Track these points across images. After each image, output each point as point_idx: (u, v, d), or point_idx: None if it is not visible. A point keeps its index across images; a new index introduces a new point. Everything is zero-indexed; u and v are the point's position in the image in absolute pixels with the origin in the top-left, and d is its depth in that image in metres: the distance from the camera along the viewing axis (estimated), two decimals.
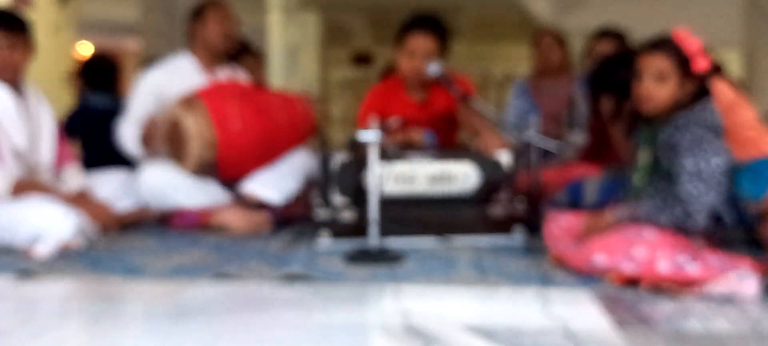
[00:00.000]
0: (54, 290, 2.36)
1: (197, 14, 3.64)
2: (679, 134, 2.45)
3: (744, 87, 3.60)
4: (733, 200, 2.72)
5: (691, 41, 2.47)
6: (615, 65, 3.20)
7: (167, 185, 3.31)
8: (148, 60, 4.17)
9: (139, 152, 3.49)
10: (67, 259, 2.69)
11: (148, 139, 3.40)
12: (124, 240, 3.08)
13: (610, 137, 3.27)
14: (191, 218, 3.33)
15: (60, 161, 3.30)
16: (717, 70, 3.53)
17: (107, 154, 3.93)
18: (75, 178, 3.31)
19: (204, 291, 2.28)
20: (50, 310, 2.17)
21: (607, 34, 4.26)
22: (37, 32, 3.30)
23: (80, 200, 3.13)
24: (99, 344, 1.84)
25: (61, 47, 10.90)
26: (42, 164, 3.20)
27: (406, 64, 3.44)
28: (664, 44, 2.49)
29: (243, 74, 3.81)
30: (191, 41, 3.68)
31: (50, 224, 2.79)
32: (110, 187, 3.39)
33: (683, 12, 8.23)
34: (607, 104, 3.19)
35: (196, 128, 3.18)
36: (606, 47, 4.07)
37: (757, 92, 7.18)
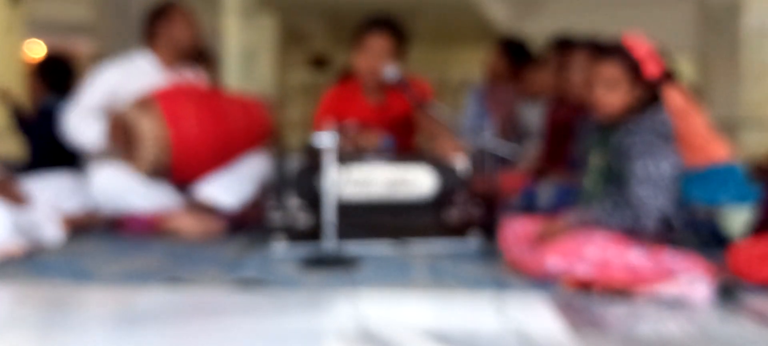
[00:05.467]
0: (0, 295, 2.31)
1: (161, 13, 3.59)
2: (630, 139, 2.49)
3: (697, 92, 3.68)
4: (683, 204, 2.77)
5: (640, 46, 2.51)
6: None
7: (120, 187, 3.28)
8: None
9: (89, 143, 3.40)
10: (13, 264, 2.64)
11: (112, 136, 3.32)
12: (74, 244, 3.04)
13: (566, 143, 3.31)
14: (143, 223, 3.29)
15: None
16: (669, 76, 3.61)
17: (56, 155, 3.87)
18: None
19: (157, 297, 2.26)
20: None
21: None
22: None
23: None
24: None
25: (12, 47, 10.69)
26: None
27: (363, 63, 3.45)
28: (614, 51, 2.53)
29: (202, 77, 3.79)
30: (152, 40, 3.63)
31: None
32: (56, 188, 3.33)
33: (638, 17, 8.39)
34: None
35: (150, 130, 3.15)
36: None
37: (709, 96, 7.34)
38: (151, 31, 3.62)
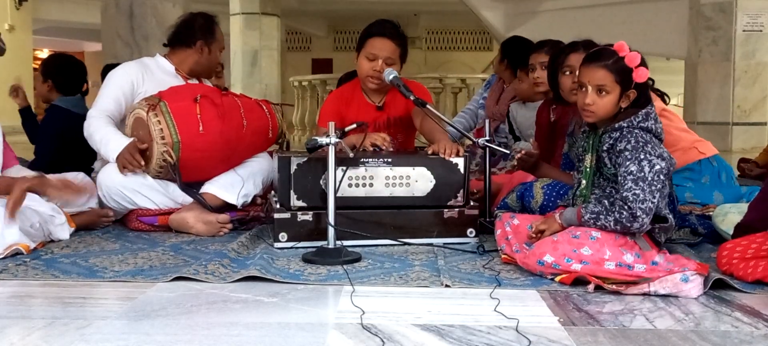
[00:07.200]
0: (7, 291, 2.33)
1: (209, 31, 3.66)
2: (623, 139, 2.52)
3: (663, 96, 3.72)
4: (676, 202, 2.81)
5: (631, 53, 2.55)
6: None
7: (127, 186, 3.30)
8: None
9: (109, 152, 3.37)
10: (21, 261, 2.67)
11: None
12: (81, 241, 3.06)
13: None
14: (150, 220, 3.32)
15: (4, 167, 3.19)
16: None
17: (63, 154, 3.91)
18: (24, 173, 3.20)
19: (162, 293, 2.28)
20: (3, 313, 2.12)
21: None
22: None
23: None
24: None
25: (17, 48, 10.74)
26: None
27: (365, 66, 3.49)
28: (605, 57, 2.57)
29: (207, 80, 3.84)
30: (179, 46, 3.67)
31: None
32: None
33: (631, 23, 8.40)
34: None
35: (159, 130, 3.18)
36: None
37: (699, 101, 7.35)
38: (187, 40, 3.65)
